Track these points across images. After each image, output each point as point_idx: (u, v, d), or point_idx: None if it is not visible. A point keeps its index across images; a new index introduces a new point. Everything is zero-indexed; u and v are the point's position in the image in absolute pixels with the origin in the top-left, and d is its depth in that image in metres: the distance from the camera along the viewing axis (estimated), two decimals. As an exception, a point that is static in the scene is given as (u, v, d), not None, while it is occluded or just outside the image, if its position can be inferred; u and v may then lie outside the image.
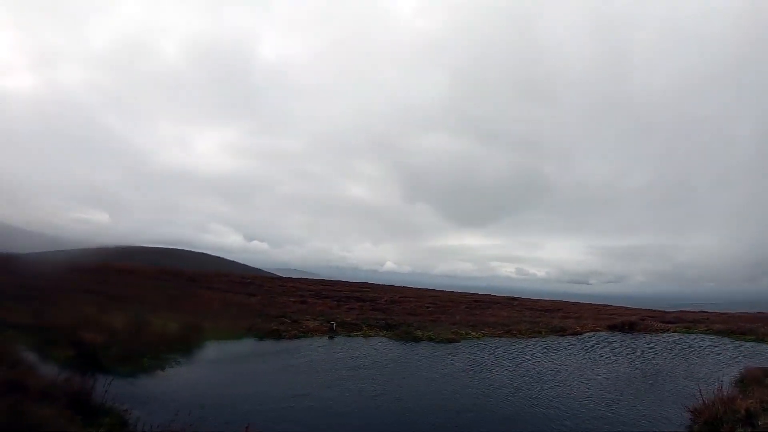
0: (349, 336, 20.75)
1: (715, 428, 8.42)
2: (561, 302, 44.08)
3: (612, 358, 18.11)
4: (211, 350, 16.30)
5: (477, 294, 45.67)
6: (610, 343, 21.35)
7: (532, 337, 22.15)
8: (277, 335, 19.50)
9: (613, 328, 25.47)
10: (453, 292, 46.39)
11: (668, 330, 25.10)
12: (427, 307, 31.79)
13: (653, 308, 42.98)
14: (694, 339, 22.21)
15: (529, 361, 16.98)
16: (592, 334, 23.65)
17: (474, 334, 22.24)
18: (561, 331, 23.69)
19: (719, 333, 23.62)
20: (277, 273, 60.93)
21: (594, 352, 19.25)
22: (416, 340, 20.32)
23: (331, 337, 20.40)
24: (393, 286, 46.15)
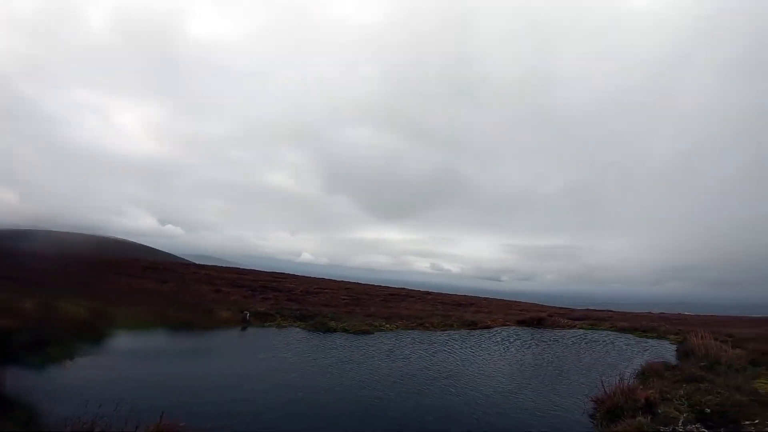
0: (263, 326, 23.26)
1: (616, 416, 10.02)
2: (474, 297, 51.98)
3: (519, 350, 20.97)
4: (122, 339, 17.69)
5: (392, 287, 52.58)
6: (518, 336, 24.93)
7: (445, 330, 25.60)
8: (189, 324, 21.23)
9: (522, 323, 29.87)
10: (369, 284, 53.71)
11: (574, 326, 29.82)
12: (343, 299, 36.83)
13: (562, 306, 48.54)
14: (599, 335, 26.65)
15: (439, 352, 19.32)
16: (502, 328, 27.69)
17: (388, 326, 25.36)
18: (472, 325, 27.49)
19: (623, 330, 28.53)
20: (190, 259, 66.64)
21: (502, 345, 22.20)
22: (330, 330, 23.11)
23: (244, 328, 22.73)
24: (309, 277, 52.39)
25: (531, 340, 23.90)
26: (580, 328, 28.83)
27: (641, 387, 11.77)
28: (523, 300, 58.26)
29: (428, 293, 49.00)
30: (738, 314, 49.43)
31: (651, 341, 24.36)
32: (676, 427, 8.83)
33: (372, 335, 22.65)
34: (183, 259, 66.39)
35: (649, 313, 46.59)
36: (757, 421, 9.10)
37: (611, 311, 44.46)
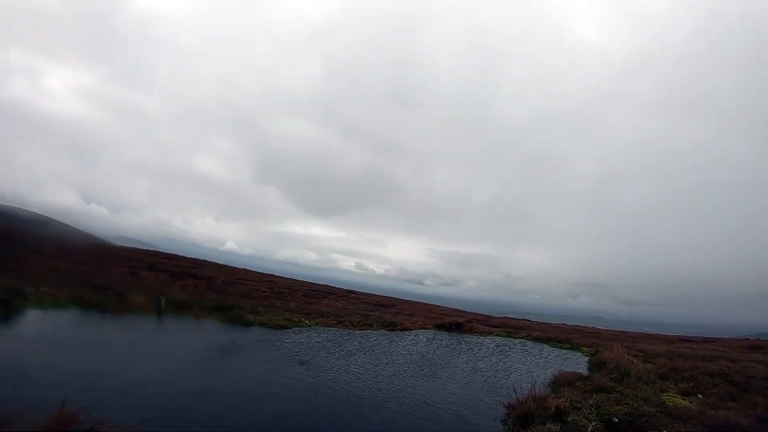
0: (179, 315, 23.32)
1: (527, 423, 10.38)
2: (396, 299, 53.28)
3: (435, 355, 21.23)
4: (32, 318, 17.90)
5: (315, 283, 53.56)
6: (437, 339, 25.71)
7: (363, 330, 26.16)
8: (101, 308, 21.32)
9: (440, 327, 30.83)
10: (292, 279, 53.82)
11: (492, 333, 30.73)
12: (264, 292, 36.76)
13: (482, 312, 50.13)
14: (515, 343, 27.68)
15: (351, 351, 19.54)
16: (421, 331, 28.57)
17: (307, 322, 25.83)
18: (391, 326, 28.37)
19: (538, 340, 29.68)
20: (113, 241, 66.94)
21: (416, 347, 22.60)
22: (247, 324, 23.26)
23: (158, 315, 22.77)
24: (232, 266, 52.54)
25: (447, 344, 24.46)
26: (497, 335, 29.77)
27: (552, 395, 12.22)
28: (444, 305, 59.78)
29: (351, 292, 50.04)
30: (649, 332, 52.74)
31: (564, 352, 25.44)
32: None
33: (289, 330, 22.80)
34: (105, 240, 64.72)
35: (565, 324, 48.90)
36: (664, 431, 9.67)
37: (528, 320, 46.27)
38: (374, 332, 25.67)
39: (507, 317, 48.74)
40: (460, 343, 25.12)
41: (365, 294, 50.46)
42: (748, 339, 41.23)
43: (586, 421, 10.08)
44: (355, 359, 17.89)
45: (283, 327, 23.21)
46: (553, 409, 10.78)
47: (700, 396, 14.28)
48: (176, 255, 52.20)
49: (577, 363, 21.16)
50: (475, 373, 17.99)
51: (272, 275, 52.72)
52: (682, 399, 13.84)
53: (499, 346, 25.51)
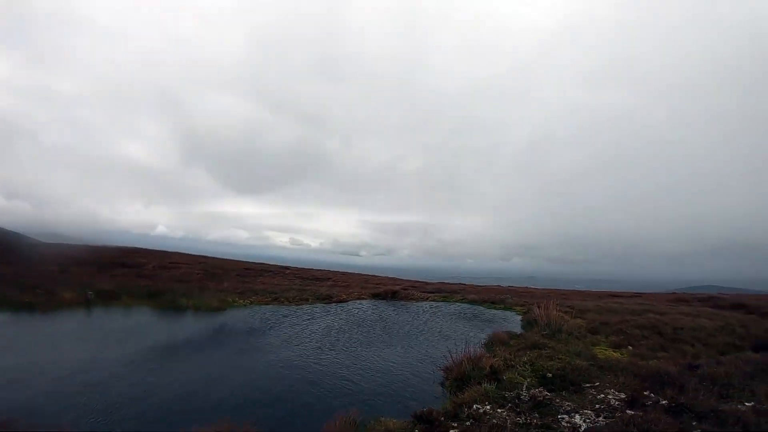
0: (107, 306, 23.55)
1: (464, 383, 10.54)
2: (331, 272, 53.52)
3: (372, 324, 21.53)
4: None
5: (249, 262, 53.35)
6: (374, 309, 26.10)
7: (299, 305, 26.51)
8: (31, 307, 21.83)
9: (376, 296, 31.47)
10: (225, 259, 53.58)
11: (428, 299, 31.19)
12: (197, 274, 37.10)
13: (418, 279, 50.77)
14: (450, 307, 28.11)
15: (288, 328, 19.83)
16: (357, 301, 29.01)
17: (241, 301, 26.20)
18: (327, 299, 28.91)
19: (473, 302, 30.35)
20: (40, 238, 64.61)
21: (353, 317, 23.01)
22: (180, 308, 23.64)
23: (87, 308, 23.01)
24: (163, 251, 52.62)
25: (384, 313, 24.74)
26: (433, 301, 30.27)
27: (487, 355, 12.46)
28: (381, 274, 60.49)
29: (286, 267, 50.23)
30: (580, 289, 55.11)
31: (499, 312, 26.14)
32: (520, 392, 9.31)
33: (224, 312, 23.19)
34: (31, 238, 62.07)
35: (499, 286, 50.34)
36: (597, 383, 10.02)
37: (464, 284, 47.36)
38: (311, 306, 25.99)
39: (443, 282, 49.66)
40: (397, 311, 25.45)
41: (300, 269, 50.66)
42: (674, 293, 43.96)
43: (521, 378, 10.33)
44: (293, 336, 17.96)
45: (217, 309, 23.54)
46: (488, 368, 11.00)
47: (630, 348, 15.05)
48: (105, 246, 52.19)
49: (511, 322, 21.75)
50: (413, 338, 18.32)
51: (205, 257, 52.08)
52: (614, 351, 14.54)
53: (435, 310, 25.98)
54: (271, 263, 54.67)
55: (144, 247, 53.51)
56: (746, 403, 8.64)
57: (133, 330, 18.76)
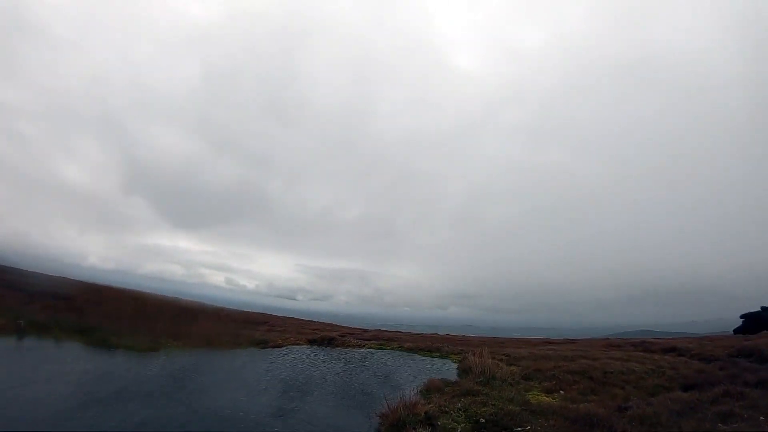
0: (39, 338, 22.72)
1: (399, 429, 10.69)
2: (268, 315, 52.98)
3: (308, 371, 21.24)
4: None
5: (184, 300, 51.46)
6: (310, 355, 25.73)
7: (233, 349, 26.20)
8: None
9: (313, 342, 31.01)
10: (159, 295, 51.32)
11: (364, 346, 30.94)
12: (129, 312, 34.54)
13: (354, 326, 50.37)
14: (387, 354, 28.11)
15: (220, 374, 19.53)
16: (293, 347, 28.51)
17: (175, 344, 25.20)
18: (263, 344, 28.34)
19: (410, 350, 30.17)
20: None
21: (289, 365, 22.61)
22: (111, 347, 22.52)
23: (19, 338, 22.46)
24: (94, 283, 50.71)
25: (320, 359, 24.56)
26: (369, 348, 30.07)
27: (423, 402, 12.61)
28: (317, 319, 59.96)
29: (222, 309, 48.39)
30: (516, 337, 56.12)
31: (435, 360, 26.30)
32: None
33: (156, 355, 22.34)
34: None
35: (435, 334, 50.62)
36: (528, 427, 10.31)
37: (400, 332, 47.32)
38: (245, 351, 25.66)
39: (380, 330, 49.50)
40: (333, 358, 25.20)
41: (236, 311, 49.16)
42: (607, 339, 45.61)
43: (455, 424, 10.51)
44: (225, 383, 17.52)
45: (149, 350, 22.66)
46: (422, 414, 11.14)
47: (562, 392, 15.52)
48: (35, 272, 49.88)
49: (447, 370, 21.93)
50: (349, 385, 18.25)
51: (138, 292, 49.80)
52: (546, 396, 14.96)
53: (371, 358, 25.91)
54: (205, 303, 52.33)
55: (75, 278, 51.24)
56: None
57: (63, 366, 18.02)
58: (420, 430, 9.96)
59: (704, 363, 21.64)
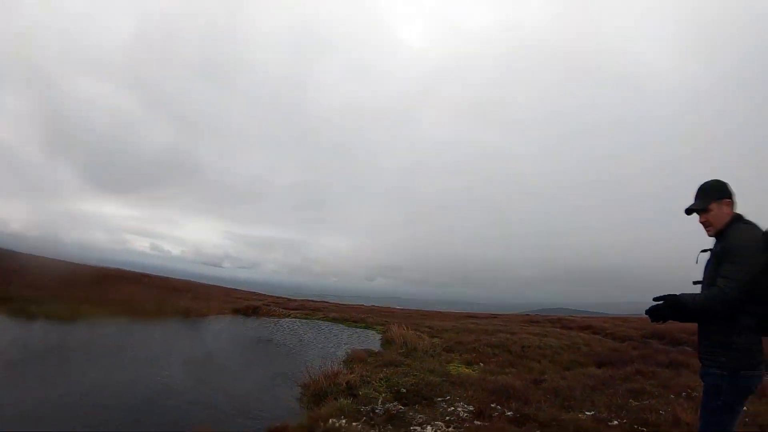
0: None
1: (321, 399, 10.65)
2: (193, 283, 50.08)
3: (230, 339, 21.34)
4: None
5: (107, 267, 48.35)
6: (234, 325, 25.54)
7: (156, 318, 24.85)
8: None
9: (238, 311, 30.37)
10: (82, 264, 47.42)
11: (289, 315, 30.81)
12: (50, 280, 32.00)
13: (281, 295, 49.93)
14: (312, 324, 28.12)
15: (142, 345, 18.41)
16: (218, 317, 27.97)
17: (96, 311, 23.69)
18: (186, 313, 27.18)
19: (335, 320, 30.58)
20: None
21: (215, 332, 22.83)
22: (31, 316, 20.96)
23: None
24: (15, 251, 45.99)
25: (244, 329, 24.24)
26: (295, 318, 29.99)
27: (345, 372, 12.65)
28: (243, 288, 58.89)
29: (145, 276, 45.87)
30: (441, 310, 57.46)
31: (359, 331, 26.63)
32: (376, 406, 9.60)
33: (75, 322, 20.91)
34: None
35: (362, 305, 51.11)
36: (448, 397, 10.65)
37: (327, 302, 47.43)
38: (169, 319, 24.58)
39: (306, 300, 49.44)
40: (257, 328, 24.94)
41: (161, 278, 47.25)
42: (528, 315, 47.57)
43: (377, 393, 10.65)
44: (147, 351, 16.72)
45: (70, 319, 21.23)
46: (344, 384, 11.20)
47: (482, 365, 16.07)
48: None
49: (371, 341, 22.27)
50: (271, 355, 18.07)
51: (60, 261, 46.63)
52: (466, 368, 15.44)
53: (296, 328, 25.83)
54: (129, 269, 50.22)
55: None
56: (587, 413, 9.61)
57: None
58: (341, 399, 10.00)
59: (618, 342, 23.03)
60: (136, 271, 50.67)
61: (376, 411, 9.28)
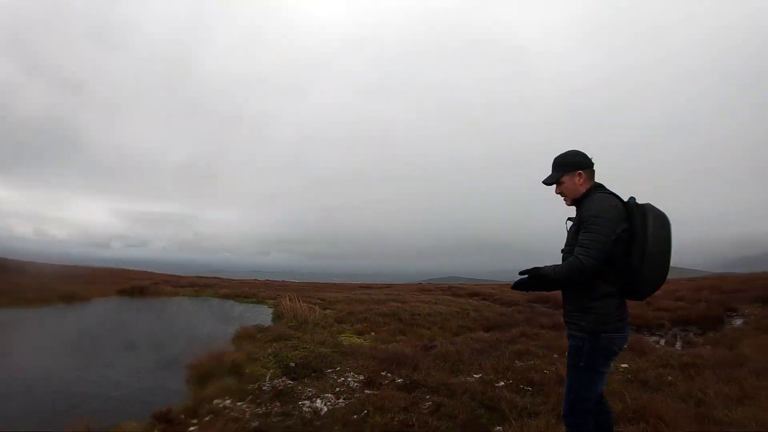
0: None
1: (207, 380, 10.23)
2: (78, 267, 46.12)
3: (113, 323, 19.94)
4: None
5: None
6: (119, 308, 23.89)
7: (37, 305, 22.53)
8: None
9: (122, 292, 28.41)
10: None
11: (178, 293, 29.59)
12: None
13: (173, 273, 48.25)
14: (202, 302, 27.23)
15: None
16: (101, 299, 26.03)
17: None
18: (69, 298, 24.99)
19: (226, 296, 29.58)
20: None
21: (95, 317, 21.12)
22: None
23: None
24: None
25: (130, 310, 22.99)
26: (184, 295, 28.78)
27: (231, 350, 12.31)
28: (134, 268, 55.91)
29: (29, 263, 42.35)
30: (336, 282, 57.66)
31: (251, 306, 26.01)
32: (263, 383, 9.40)
33: None
34: None
35: (255, 280, 50.29)
36: (338, 368, 10.68)
37: (219, 278, 46.16)
38: (51, 307, 22.46)
39: (198, 276, 47.85)
40: (144, 308, 23.69)
41: (43, 264, 43.75)
42: (420, 284, 48.88)
43: (264, 370, 10.40)
44: (27, 342, 15.24)
45: None
46: (230, 363, 10.84)
47: (373, 334, 16.25)
48: None
49: (262, 315, 21.79)
50: (159, 337, 16.95)
51: None
52: (358, 338, 15.52)
53: (186, 306, 24.88)
54: (8, 258, 46.36)
55: None
56: (474, 375, 9.96)
57: None
58: (227, 379, 9.66)
59: (505, 307, 24.24)
60: (18, 258, 46.47)
61: (264, 388, 9.04)
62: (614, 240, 3.97)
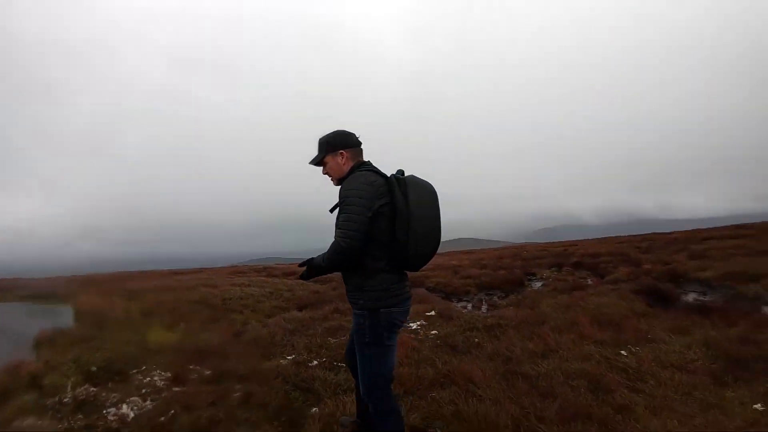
0: None
1: (4, 399, 9.11)
2: None
3: None
4: None
5: None
6: None
7: None
8: None
9: None
10: None
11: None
12: None
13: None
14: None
15: None
16: None
17: None
18: None
19: (23, 299, 25.89)
20: None
21: None
22: None
23: None
24: None
25: None
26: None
27: (30, 360, 11.47)
28: None
29: None
30: (144, 270, 54.51)
31: (53, 307, 23.93)
32: (64, 394, 8.98)
33: None
34: None
35: (59, 276, 45.89)
36: (144, 367, 10.40)
37: (19, 278, 41.27)
38: None
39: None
40: None
41: None
42: (234, 266, 48.29)
43: (65, 378, 9.90)
44: None
45: None
46: (26, 377, 10.18)
47: (183, 325, 15.96)
48: None
49: (63, 317, 20.32)
50: None
51: None
52: (167, 331, 15.12)
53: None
54: None
55: None
56: (287, 357, 10.55)
57: None
58: (25, 395, 9.10)
59: (320, 285, 25.25)
60: None
61: (65, 400, 8.72)
62: (372, 216, 3.99)
